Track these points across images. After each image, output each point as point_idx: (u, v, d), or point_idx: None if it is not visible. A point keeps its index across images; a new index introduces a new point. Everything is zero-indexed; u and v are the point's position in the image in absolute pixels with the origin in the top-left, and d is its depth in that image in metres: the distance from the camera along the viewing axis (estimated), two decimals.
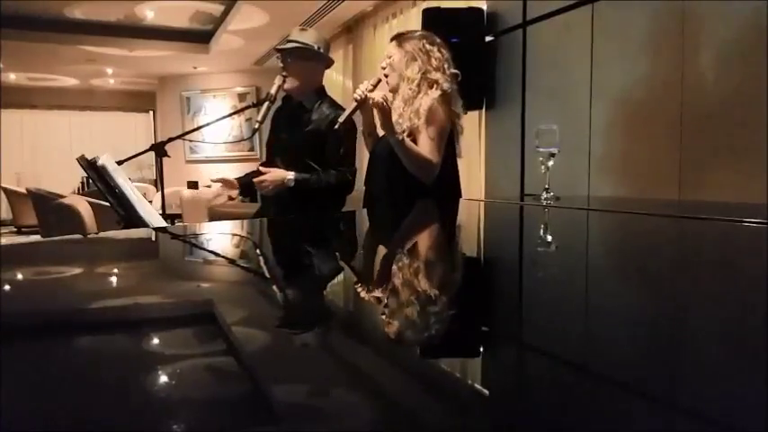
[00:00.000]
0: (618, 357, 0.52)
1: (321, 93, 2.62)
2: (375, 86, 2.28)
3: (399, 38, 2.34)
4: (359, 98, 2.21)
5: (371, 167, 2.41)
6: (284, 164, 2.51)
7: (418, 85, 2.22)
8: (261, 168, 2.54)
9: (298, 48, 2.54)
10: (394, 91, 2.32)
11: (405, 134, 2.19)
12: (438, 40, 2.32)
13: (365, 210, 2.36)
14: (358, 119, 2.43)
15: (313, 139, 2.51)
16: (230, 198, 2.60)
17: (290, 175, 2.46)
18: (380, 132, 2.33)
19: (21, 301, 0.76)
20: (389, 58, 2.31)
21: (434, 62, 2.25)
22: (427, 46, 2.27)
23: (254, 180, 2.51)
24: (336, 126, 2.26)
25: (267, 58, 8.14)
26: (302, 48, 2.54)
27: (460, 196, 2.43)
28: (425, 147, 2.19)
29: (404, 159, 2.17)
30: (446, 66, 2.28)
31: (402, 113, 2.23)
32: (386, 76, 2.31)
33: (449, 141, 2.28)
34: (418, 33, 2.35)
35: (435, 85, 2.22)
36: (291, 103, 2.61)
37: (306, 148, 2.52)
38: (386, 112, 2.13)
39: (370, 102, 2.16)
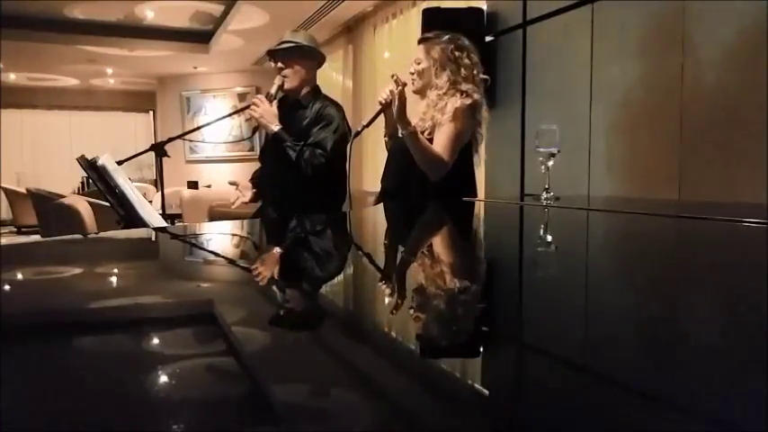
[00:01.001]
0: (618, 357, 0.52)
1: (317, 90, 2.66)
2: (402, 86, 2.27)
3: (427, 42, 2.31)
4: (383, 102, 2.21)
5: (388, 164, 2.42)
6: (281, 161, 2.52)
7: (446, 93, 2.22)
8: (254, 100, 2.55)
9: (295, 47, 2.58)
10: (419, 93, 2.32)
11: (425, 132, 2.19)
12: (467, 44, 2.31)
13: (365, 209, 2.37)
14: (353, 124, 2.46)
15: (308, 135, 2.53)
16: (247, 202, 2.62)
17: (276, 124, 2.49)
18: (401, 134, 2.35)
19: (21, 301, 0.76)
20: (418, 64, 2.30)
21: (464, 71, 2.25)
22: (456, 53, 2.26)
23: (251, 104, 2.55)
24: (360, 129, 2.31)
25: (267, 59, 8.14)
26: (299, 47, 2.59)
27: (475, 194, 2.45)
28: (440, 143, 2.19)
29: (414, 153, 2.17)
30: (475, 72, 2.28)
31: (424, 116, 2.23)
32: (413, 80, 2.30)
33: (469, 149, 2.30)
34: (446, 37, 2.31)
35: (465, 95, 2.21)
36: (288, 102, 2.63)
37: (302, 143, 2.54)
38: (402, 101, 2.12)
39: (391, 93, 2.14)
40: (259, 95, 2.58)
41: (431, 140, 2.20)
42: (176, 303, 0.75)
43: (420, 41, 2.35)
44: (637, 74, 2.90)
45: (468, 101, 2.21)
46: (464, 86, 2.23)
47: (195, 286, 0.89)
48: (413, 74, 2.32)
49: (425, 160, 2.18)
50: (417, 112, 2.29)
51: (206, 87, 9.84)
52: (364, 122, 2.28)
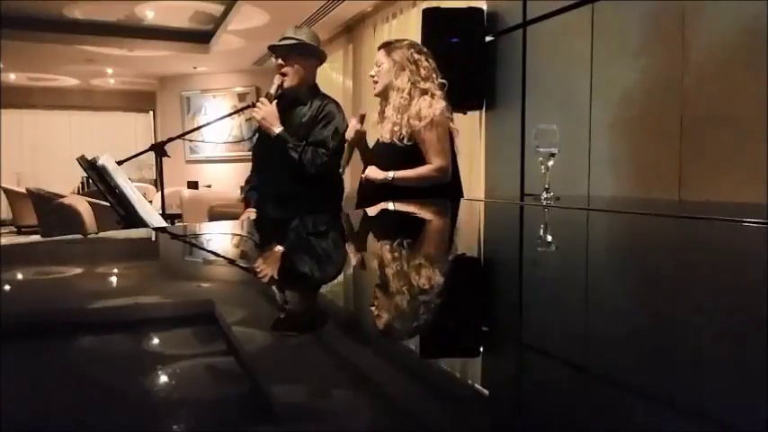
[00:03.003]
0: (618, 357, 0.52)
1: (316, 89, 2.67)
2: (362, 121, 2.43)
3: (387, 47, 2.40)
4: (350, 139, 2.43)
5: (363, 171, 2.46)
6: (280, 158, 2.52)
7: (409, 93, 2.29)
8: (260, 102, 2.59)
9: (297, 44, 2.57)
10: (381, 96, 2.41)
11: (404, 139, 2.26)
12: (425, 50, 2.41)
13: (355, 210, 2.38)
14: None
15: (307, 132, 2.53)
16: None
17: (278, 126, 2.51)
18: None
19: (21, 301, 0.76)
20: (378, 66, 2.38)
21: (423, 72, 2.33)
22: (415, 56, 2.34)
23: (254, 105, 2.59)
24: (342, 170, 2.53)
25: (267, 58, 8.14)
26: (301, 44, 2.58)
27: (462, 195, 2.45)
28: (433, 150, 2.27)
29: (412, 185, 2.27)
30: (434, 75, 2.36)
31: (397, 121, 2.29)
32: (375, 82, 2.40)
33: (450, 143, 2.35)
34: (406, 42, 2.41)
35: (432, 95, 2.30)
36: (287, 99, 2.62)
37: (300, 140, 2.54)
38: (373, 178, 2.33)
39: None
40: (262, 99, 2.57)
41: (410, 147, 2.27)
42: (176, 303, 0.75)
43: (381, 47, 2.44)
44: (636, 74, 2.90)
45: (440, 105, 2.28)
46: (424, 85, 2.31)
47: (195, 286, 0.89)
48: (373, 76, 2.41)
49: (426, 181, 2.28)
50: (387, 117, 2.36)
51: (206, 87, 9.84)
52: (344, 162, 2.52)
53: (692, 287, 0.84)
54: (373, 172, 2.34)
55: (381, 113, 2.41)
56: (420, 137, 2.25)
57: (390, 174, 2.28)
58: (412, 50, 2.35)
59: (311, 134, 2.52)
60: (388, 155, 2.30)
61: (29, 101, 11.17)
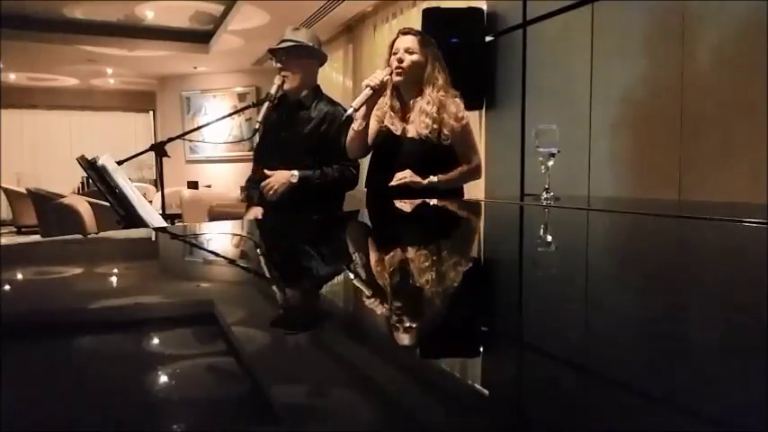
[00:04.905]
0: (618, 357, 0.52)
1: (318, 90, 2.63)
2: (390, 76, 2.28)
3: (418, 35, 2.30)
4: (376, 86, 2.19)
5: (373, 167, 2.40)
6: (283, 163, 2.51)
7: (446, 93, 2.26)
8: (266, 172, 2.54)
9: (295, 46, 2.54)
10: (404, 85, 2.29)
11: (443, 138, 2.22)
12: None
13: (366, 209, 2.36)
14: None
15: (313, 137, 2.52)
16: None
17: (294, 173, 2.47)
18: (372, 120, 2.30)
19: (21, 301, 0.76)
20: (410, 54, 2.25)
21: (447, 77, 2.32)
22: (443, 61, 2.32)
23: (262, 185, 2.52)
24: (349, 112, 2.23)
25: (267, 58, 8.11)
26: (299, 46, 2.54)
27: (462, 195, 2.43)
28: (470, 147, 2.33)
29: (452, 186, 2.28)
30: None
31: (437, 117, 2.22)
32: (400, 70, 2.25)
33: (452, 147, 2.33)
34: (433, 41, 2.35)
35: (459, 98, 2.29)
36: (288, 102, 2.60)
37: (305, 146, 2.53)
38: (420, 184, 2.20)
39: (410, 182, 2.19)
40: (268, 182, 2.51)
41: (447, 147, 2.23)
42: (176, 303, 0.75)
43: (412, 32, 2.31)
44: (637, 74, 2.90)
45: (465, 111, 2.30)
46: (453, 90, 2.29)
47: (195, 286, 0.89)
48: (401, 61, 2.24)
49: (464, 180, 2.34)
50: (422, 110, 2.25)
51: (206, 87, 9.84)
52: (355, 104, 2.21)
53: (691, 287, 0.84)
54: (415, 177, 2.18)
55: (404, 104, 2.29)
56: (458, 137, 2.25)
57: (435, 178, 2.20)
58: (439, 53, 2.32)
59: (327, 146, 2.49)
60: (422, 151, 2.21)
61: (29, 101, 11.18)
